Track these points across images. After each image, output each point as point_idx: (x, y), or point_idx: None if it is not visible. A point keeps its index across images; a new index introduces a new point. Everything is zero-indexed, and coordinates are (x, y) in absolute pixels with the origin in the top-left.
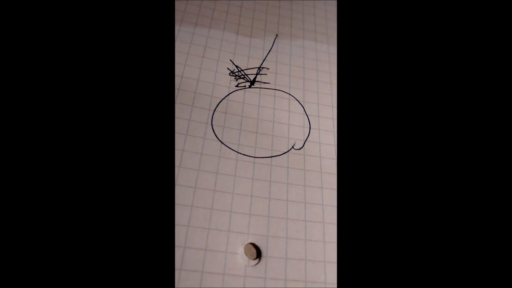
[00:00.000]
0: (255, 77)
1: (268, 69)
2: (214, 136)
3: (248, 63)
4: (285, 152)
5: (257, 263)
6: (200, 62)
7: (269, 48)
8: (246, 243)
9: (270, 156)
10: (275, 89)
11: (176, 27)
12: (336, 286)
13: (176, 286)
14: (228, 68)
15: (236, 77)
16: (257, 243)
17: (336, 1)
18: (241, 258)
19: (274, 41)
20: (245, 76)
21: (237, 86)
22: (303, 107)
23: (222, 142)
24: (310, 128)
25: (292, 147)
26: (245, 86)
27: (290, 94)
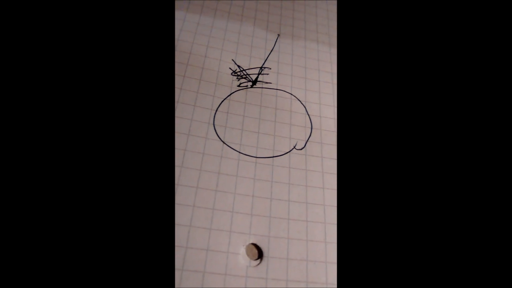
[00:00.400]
0: (257, 77)
1: (270, 69)
2: (216, 136)
3: (250, 63)
4: (287, 152)
5: (258, 264)
6: (202, 61)
7: (271, 48)
8: (247, 243)
9: (272, 156)
10: (277, 89)
11: (178, 27)
12: (335, 286)
13: (177, 286)
14: (230, 68)
15: (238, 77)
16: (258, 244)
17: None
18: (242, 258)
19: (276, 41)
20: (247, 76)
21: (239, 86)
22: (304, 107)
23: (224, 142)
24: (311, 128)
25: (294, 147)
26: (247, 86)
27: (292, 94)
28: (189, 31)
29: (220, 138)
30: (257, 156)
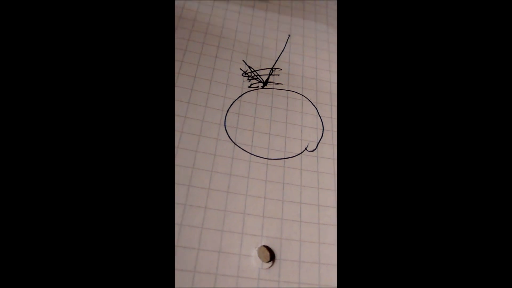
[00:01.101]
0: (268, 78)
1: (281, 69)
2: (227, 137)
3: (261, 64)
4: (298, 154)
5: (270, 266)
6: (213, 62)
7: (282, 49)
8: (259, 245)
9: (283, 157)
10: (288, 90)
11: (189, 28)
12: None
13: None
14: (240, 69)
15: (249, 78)
16: (270, 246)
17: None
18: (254, 260)
19: (286, 42)
20: (258, 76)
21: (250, 86)
22: (316, 108)
23: (235, 143)
24: (323, 129)
25: (305, 148)
26: (257, 87)
27: (303, 95)
28: (200, 32)
29: (231, 139)
30: (269, 158)
